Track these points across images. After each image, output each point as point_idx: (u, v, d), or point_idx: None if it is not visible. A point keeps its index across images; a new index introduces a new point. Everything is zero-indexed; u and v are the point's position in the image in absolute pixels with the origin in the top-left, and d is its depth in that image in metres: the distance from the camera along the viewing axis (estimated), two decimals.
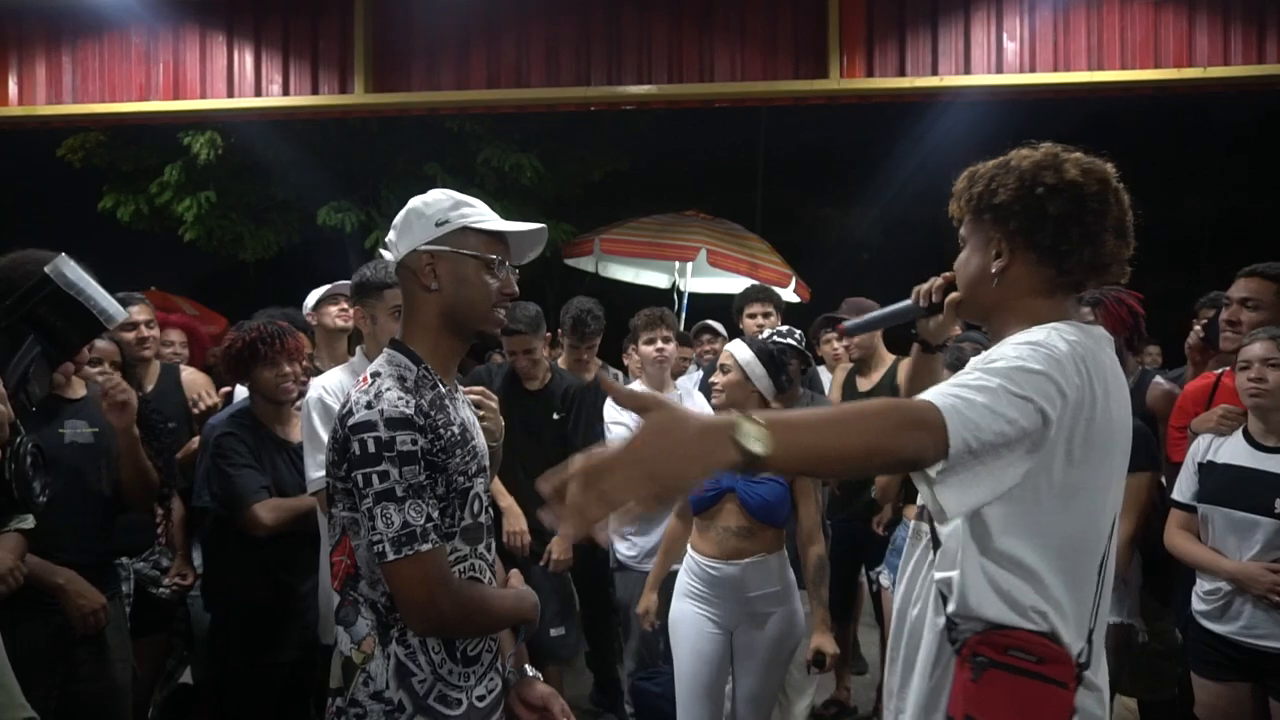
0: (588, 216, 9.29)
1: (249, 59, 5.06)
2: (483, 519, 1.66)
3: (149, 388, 3.37)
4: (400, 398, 1.52)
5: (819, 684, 3.57)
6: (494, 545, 1.72)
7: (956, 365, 3.29)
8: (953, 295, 1.61)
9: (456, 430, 1.59)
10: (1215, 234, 13.02)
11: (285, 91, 5.05)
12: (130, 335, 3.30)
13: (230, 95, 5.09)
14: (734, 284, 6.07)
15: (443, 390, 1.63)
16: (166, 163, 8.56)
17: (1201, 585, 2.58)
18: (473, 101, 5.16)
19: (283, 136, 8.29)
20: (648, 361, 3.63)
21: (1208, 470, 2.56)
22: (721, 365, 2.90)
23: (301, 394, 2.75)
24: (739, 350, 2.91)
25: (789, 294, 6.73)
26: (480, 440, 1.69)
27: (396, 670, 1.54)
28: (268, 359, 2.64)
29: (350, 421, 1.51)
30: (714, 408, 2.90)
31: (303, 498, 2.60)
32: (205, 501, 2.89)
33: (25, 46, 5.20)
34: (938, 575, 1.45)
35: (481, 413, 1.83)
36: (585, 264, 7.56)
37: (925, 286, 1.68)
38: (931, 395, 1.21)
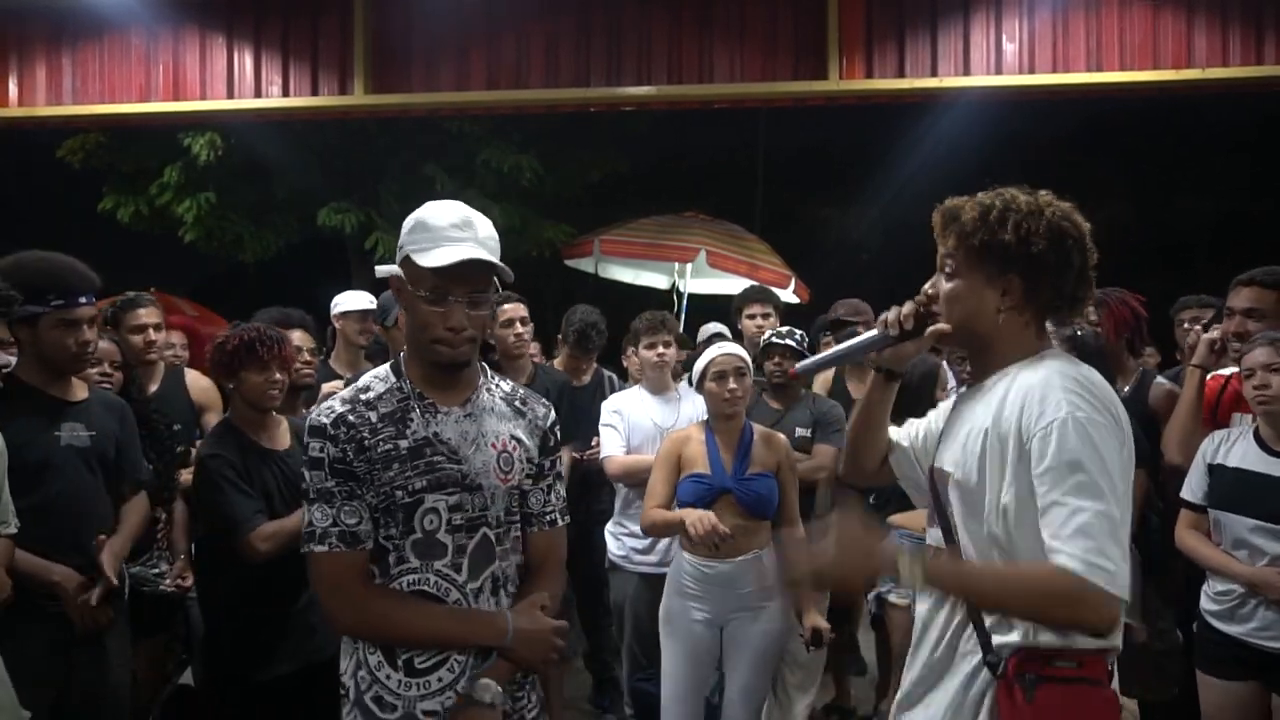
0: (587, 217, 9.28)
1: (249, 60, 5.07)
2: (444, 537, 1.63)
3: (153, 388, 3.37)
4: (329, 408, 1.63)
5: (819, 685, 3.57)
6: (479, 571, 1.67)
7: (925, 382, 3.30)
8: (939, 326, 1.58)
9: (405, 445, 1.61)
10: (1213, 235, 13.03)
11: (285, 92, 5.06)
12: (138, 338, 3.30)
13: (230, 96, 5.09)
14: (734, 285, 6.06)
15: (413, 405, 1.65)
16: (166, 164, 8.57)
17: (1212, 586, 2.57)
18: (472, 102, 5.17)
19: (282, 137, 8.30)
20: (648, 365, 3.63)
21: (1218, 473, 2.55)
22: (738, 370, 2.92)
23: (311, 396, 2.74)
24: (743, 352, 2.99)
25: (789, 295, 6.73)
26: (482, 457, 1.67)
27: (353, 661, 1.66)
28: (261, 362, 2.60)
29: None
30: (731, 414, 2.92)
31: (296, 514, 2.55)
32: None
33: (25, 47, 5.20)
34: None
35: None
36: (585, 265, 7.55)
37: (893, 314, 1.63)
38: (1077, 566, 1.33)
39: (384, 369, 1.71)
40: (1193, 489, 2.64)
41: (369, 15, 4.97)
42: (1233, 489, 2.49)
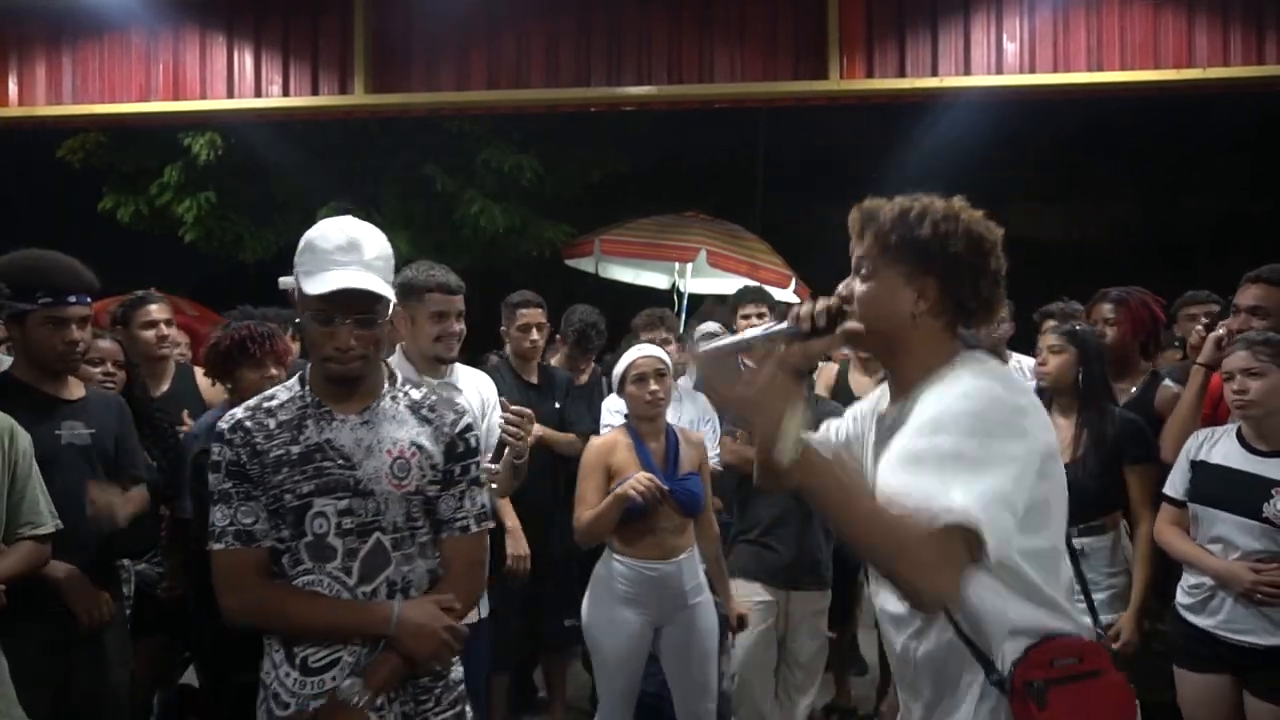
0: (587, 217, 9.28)
1: (249, 59, 5.06)
2: (334, 541, 1.69)
3: (164, 387, 3.37)
4: (231, 414, 1.73)
5: (820, 685, 3.56)
6: (371, 574, 1.70)
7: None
8: (851, 325, 1.55)
9: (297, 450, 1.69)
10: (1214, 235, 13.02)
11: (285, 92, 5.05)
12: (150, 333, 3.31)
13: (230, 96, 5.09)
14: (734, 285, 6.05)
15: (312, 413, 1.72)
16: (166, 163, 8.55)
17: (1186, 579, 2.62)
18: (472, 102, 5.16)
19: (282, 137, 8.29)
20: None
21: (1200, 469, 2.58)
22: (658, 371, 2.98)
23: None
24: (662, 353, 3.10)
25: (789, 295, 6.72)
26: (374, 464, 1.70)
27: (267, 658, 1.75)
28: (256, 359, 2.60)
29: None
30: (653, 416, 3.02)
31: None
32: (188, 512, 2.86)
33: (25, 47, 5.20)
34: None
35: (515, 430, 2.12)
36: (585, 265, 7.55)
37: (806, 309, 1.59)
38: (963, 515, 1.28)
39: (293, 380, 1.79)
40: (1174, 485, 2.67)
41: (369, 15, 4.96)
42: (1214, 485, 2.52)
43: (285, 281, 1.79)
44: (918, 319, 1.50)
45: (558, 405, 3.67)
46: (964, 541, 1.28)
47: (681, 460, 2.98)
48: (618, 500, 2.82)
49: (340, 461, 1.70)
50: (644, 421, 2.98)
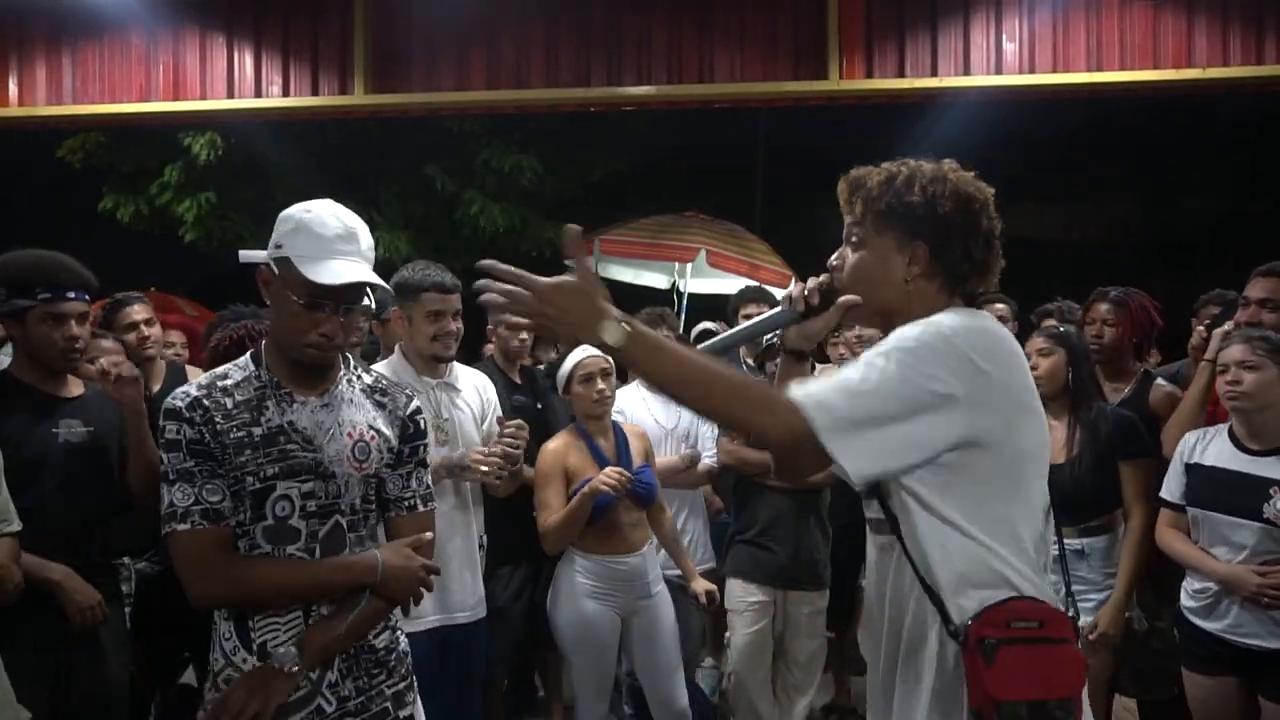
0: (587, 217, 9.27)
1: (249, 60, 5.06)
2: (297, 523, 1.68)
3: (155, 387, 3.37)
4: (184, 392, 1.67)
5: (819, 685, 3.56)
6: (333, 555, 1.71)
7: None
8: (848, 298, 1.54)
9: (259, 432, 1.65)
10: (1213, 235, 13.03)
11: (285, 92, 5.05)
12: (131, 336, 3.30)
13: (230, 96, 5.09)
14: (734, 285, 6.06)
15: (270, 394, 1.69)
16: (166, 163, 8.56)
17: (1191, 583, 2.61)
18: (472, 102, 5.16)
19: (282, 137, 8.30)
20: None
21: (1194, 471, 2.57)
22: (604, 371, 3.04)
23: None
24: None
25: None
26: (335, 446, 1.71)
27: (215, 647, 1.70)
28: None
29: None
30: (600, 415, 3.09)
31: None
32: None
33: (25, 47, 5.20)
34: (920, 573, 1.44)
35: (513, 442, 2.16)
36: None
37: (797, 290, 1.59)
38: (804, 387, 1.36)
39: (244, 358, 1.75)
40: (1171, 489, 2.66)
41: (369, 15, 4.97)
42: (1211, 488, 2.51)
43: (252, 256, 1.74)
44: (911, 284, 1.48)
45: (539, 405, 3.68)
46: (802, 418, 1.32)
47: (633, 454, 3.06)
48: (587, 498, 2.85)
49: (303, 444, 1.69)
50: (592, 420, 3.03)
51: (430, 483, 1.90)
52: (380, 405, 1.82)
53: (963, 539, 1.40)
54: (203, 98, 5.11)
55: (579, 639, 2.99)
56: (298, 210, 1.70)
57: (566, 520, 2.89)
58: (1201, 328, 3.12)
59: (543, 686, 4.00)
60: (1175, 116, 10.81)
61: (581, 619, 2.97)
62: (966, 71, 4.64)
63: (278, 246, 1.68)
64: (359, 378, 1.84)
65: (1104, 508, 2.86)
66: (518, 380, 3.71)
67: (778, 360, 3.56)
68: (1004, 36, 4.62)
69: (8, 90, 5.20)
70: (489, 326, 3.72)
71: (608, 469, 2.87)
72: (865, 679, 4.58)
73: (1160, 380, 3.23)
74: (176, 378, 3.49)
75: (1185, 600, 2.61)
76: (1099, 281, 3.50)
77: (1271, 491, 2.39)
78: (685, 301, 6.72)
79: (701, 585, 3.18)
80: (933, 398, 1.34)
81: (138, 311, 3.36)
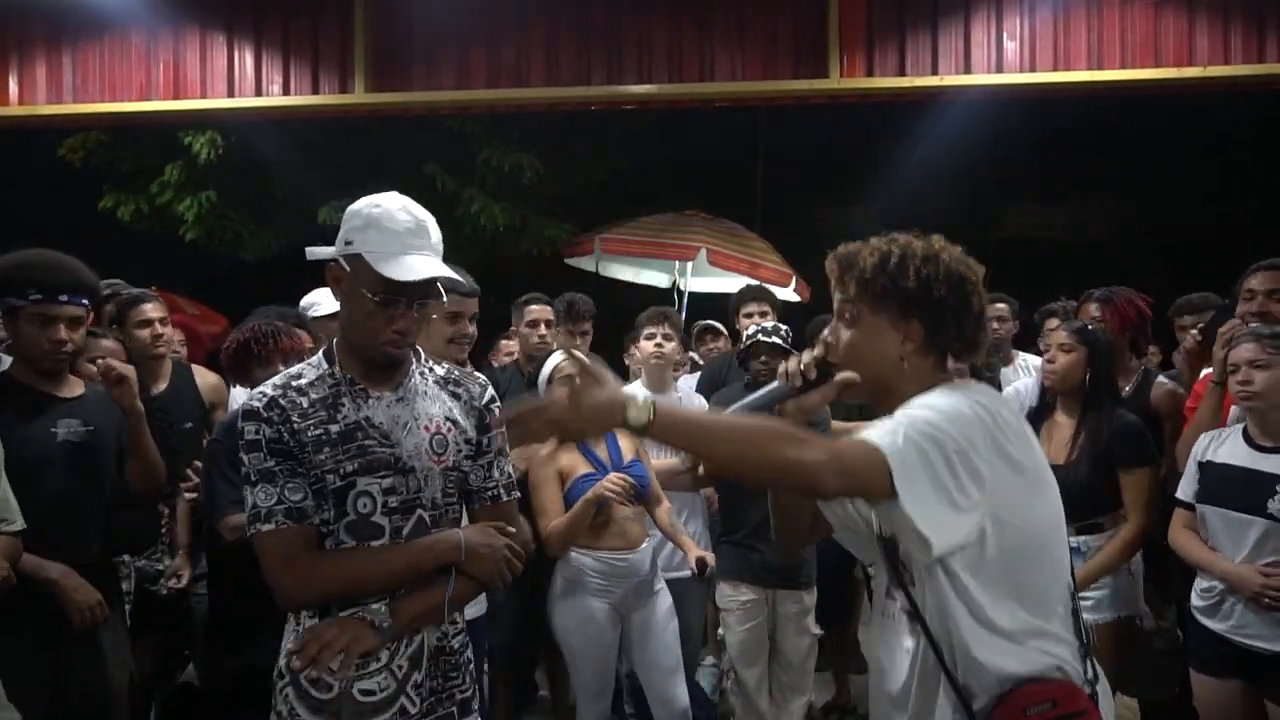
0: (588, 216, 9.27)
1: (249, 59, 5.06)
2: (380, 519, 1.67)
3: (162, 386, 3.37)
4: (261, 393, 1.66)
5: (819, 684, 3.56)
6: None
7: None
8: (846, 375, 1.55)
9: (336, 430, 1.64)
10: (1215, 235, 13.00)
11: (285, 91, 5.05)
12: (145, 332, 3.31)
13: (230, 95, 5.09)
14: (734, 284, 6.06)
15: (344, 389, 1.68)
16: (167, 162, 8.56)
17: (1199, 582, 2.60)
18: (473, 101, 5.16)
19: (283, 136, 8.30)
20: (646, 357, 3.62)
21: (1207, 469, 2.57)
22: None
23: None
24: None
25: (789, 293, 6.72)
26: (413, 440, 1.70)
27: (292, 642, 1.67)
28: (262, 358, 2.63)
29: None
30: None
31: None
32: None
33: (25, 46, 5.19)
34: (933, 657, 1.45)
35: None
36: (585, 263, 7.55)
37: (792, 365, 1.59)
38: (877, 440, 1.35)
39: (317, 356, 1.74)
40: (1185, 489, 2.66)
41: (369, 14, 4.96)
42: (1220, 484, 2.51)
43: (319, 252, 1.70)
44: (906, 361, 1.52)
45: None
46: (871, 458, 1.32)
47: (622, 448, 3.07)
48: (589, 504, 2.87)
49: (381, 439, 1.67)
50: None
51: (512, 471, 1.89)
52: (455, 396, 1.80)
53: (988, 621, 1.41)
54: (203, 97, 5.10)
55: (578, 636, 2.99)
56: (366, 205, 1.67)
57: (569, 527, 2.90)
58: (1194, 332, 3.12)
59: (547, 685, 4.00)
60: (1177, 116, 10.80)
61: (581, 615, 2.97)
62: (967, 70, 4.63)
63: (348, 243, 1.65)
64: (431, 370, 1.82)
65: (1102, 509, 2.85)
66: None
67: (763, 359, 3.55)
68: (1005, 35, 4.62)
69: (8, 89, 5.20)
70: (511, 327, 3.73)
71: (611, 475, 2.88)
72: (864, 678, 4.59)
73: (1162, 378, 3.23)
74: (183, 376, 3.49)
75: (1194, 599, 2.60)
76: (1099, 281, 3.50)
77: (1278, 487, 2.38)
78: (686, 300, 6.71)
79: (696, 553, 3.13)
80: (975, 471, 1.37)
81: (152, 309, 3.37)
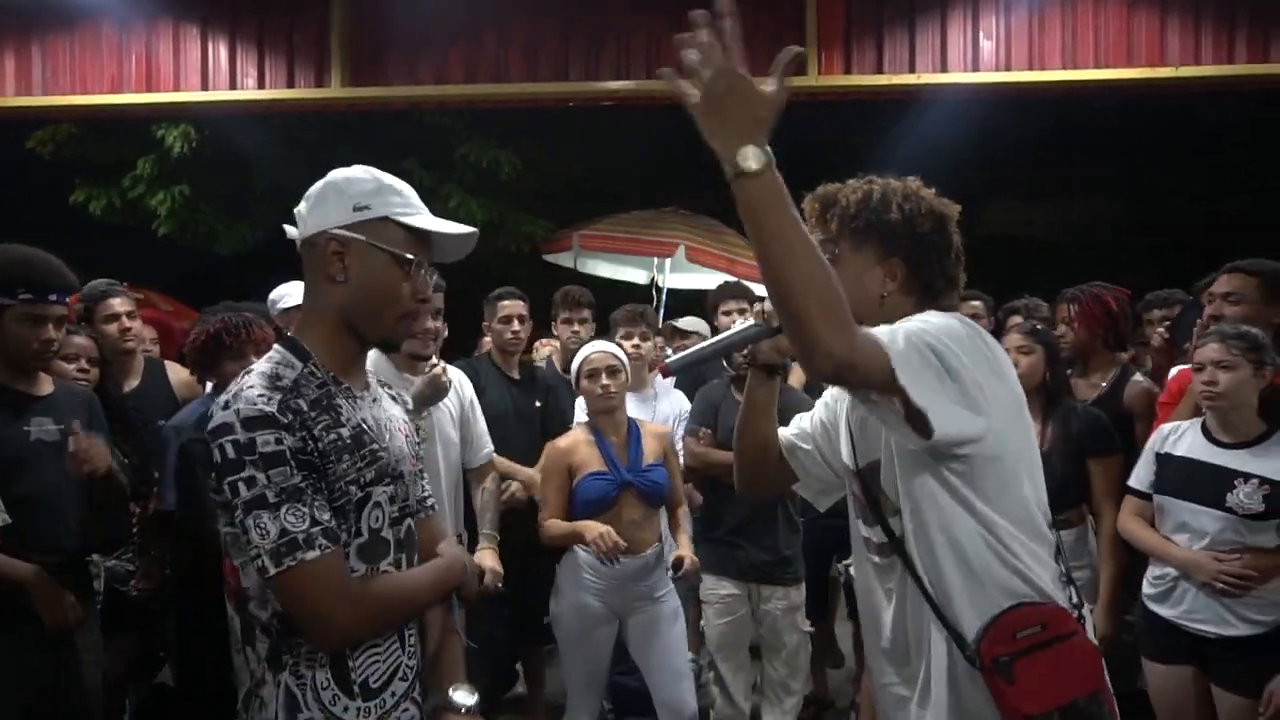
0: (566, 212, 9.26)
1: (224, 51, 5.01)
2: (387, 533, 1.48)
3: (134, 383, 3.32)
4: (260, 394, 1.37)
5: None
6: (412, 562, 1.54)
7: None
8: None
9: (347, 434, 1.43)
10: (1198, 233, 13.17)
11: (261, 85, 5.00)
12: (112, 327, 3.26)
13: (204, 88, 5.03)
14: (713, 280, 6.06)
15: (334, 389, 1.46)
16: (140, 156, 8.45)
17: (1151, 571, 2.66)
18: (451, 96, 5.15)
19: (259, 130, 8.21)
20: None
21: (1165, 461, 2.62)
22: (610, 368, 3.01)
23: None
24: (617, 350, 3.13)
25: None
26: (397, 443, 1.53)
27: (286, 701, 1.40)
28: (234, 351, 2.57)
29: (209, 427, 1.38)
30: (607, 409, 3.04)
31: None
32: (169, 504, 2.83)
33: None
34: (924, 583, 1.46)
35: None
36: (564, 260, 7.54)
37: (769, 306, 1.53)
38: (889, 338, 1.33)
39: (281, 354, 1.47)
40: (1140, 477, 2.70)
41: (347, 7, 4.92)
42: (1178, 477, 2.56)
43: (312, 228, 1.49)
44: (887, 299, 1.51)
45: (539, 403, 3.66)
46: (872, 348, 1.30)
47: (644, 451, 3.04)
48: (575, 535, 2.90)
49: (378, 443, 1.48)
50: (602, 416, 3.02)
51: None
52: (394, 399, 1.66)
53: (980, 534, 1.42)
54: (176, 89, 5.05)
55: (572, 631, 2.99)
56: (362, 170, 1.50)
57: (559, 537, 2.96)
58: (1161, 329, 3.16)
59: (525, 682, 3.99)
60: (1154, 114, 10.92)
61: (577, 611, 2.97)
62: (944, 68, 4.68)
63: (361, 208, 1.45)
64: (373, 373, 1.67)
65: (1072, 501, 2.91)
66: (516, 376, 3.68)
67: (745, 352, 3.57)
68: (981, 34, 4.66)
69: None
70: (484, 323, 3.72)
71: (602, 530, 2.81)
72: (841, 671, 4.63)
73: (1138, 376, 3.28)
74: (155, 373, 3.45)
75: (1145, 588, 2.66)
76: (1079, 278, 3.54)
77: (1236, 483, 2.44)
78: (664, 296, 6.72)
79: (678, 553, 3.08)
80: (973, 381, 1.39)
81: (119, 304, 3.31)
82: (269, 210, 9.23)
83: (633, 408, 3.53)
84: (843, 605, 4.17)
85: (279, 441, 1.35)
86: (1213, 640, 2.46)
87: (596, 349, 3.04)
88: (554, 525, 2.96)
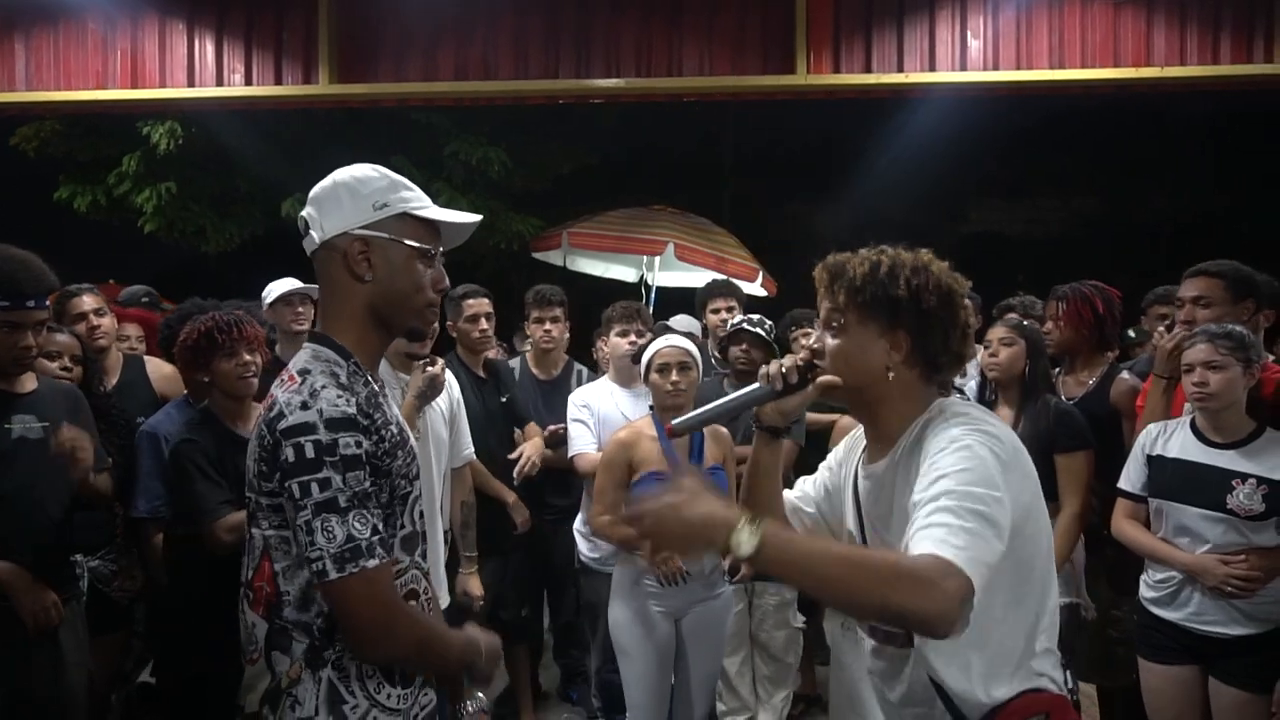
0: (556, 210, 9.25)
1: (210, 47, 4.97)
2: (419, 526, 1.56)
3: (113, 380, 3.30)
4: (340, 395, 1.39)
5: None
6: (427, 555, 1.62)
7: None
8: (827, 378, 1.55)
9: (395, 430, 1.49)
10: (1177, 231, 13.28)
11: (248, 81, 4.97)
12: (80, 326, 3.23)
13: (191, 84, 4.99)
14: (702, 278, 6.07)
15: (375, 387, 1.51)
16: (125, 153, 8.39)
17: (1152, 574, 2.65)
18: (440, 94, 5.11)
19: (246, 127, 8.16)
20: (619, 354, 3.62)
21: (1158, 464, 2.62)
22: (682, 364, 2.91)
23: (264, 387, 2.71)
24: (690, 345, 2.97)
25: (756, 288, 6.75)
26: (412, 441, 1.59)
27: (328, 695, 1.43)
28: (226, 349, 2.53)
29: (282, 425, 1.37)
30: (675, 406, 2.87)
31: None
32: (140, 511, 2.81)
33: None
34: (938, 677, 1.46)
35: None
36: (553, 257, 7.53)
37: (774, 368, 1.59)
38: (934, 547, 1.26)
39: (318, 351, 1.49)
40: (1131, 480, 2.70)
41: (335, 3, 4.89)
42: (1174, 479, 2.56)
43: (333, 230, 1.50)
44: (892, 371, 1.51)
45: (504, 399, 3.69)
46: (958, 580, 1.24)
47: (706, 454, 2.93)
48: (629, 546, 2.80)
49: (411, 440, 1.55)
50: (667, 412, 2.91)
51: None
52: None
53: (998, 626, 1.42)
54: (162, 86, 5.00)
55: (630, 636, 2.91)
56: (368, 168, 1.53)
57: (615, 538, 2.85)
58: (1162, 328, 3.18)
59: (510, 677, 3.98)
60: (1139, 114, 11.00)
61: (635, 616, 2.90)
62: (932, 67, 4.69)
63: (381, 207, 1.49)
64: None
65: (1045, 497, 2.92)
66: (482, 374, 3.69)
67: (743, 347, 3.54)
68: (969, 33, 4.68)
69: None
70: (448, 322, 3.70)
71: (672, 562, 2.76)
72: (829, 668, 4.62)
73: (1125, 374, 3.30)
74: (135, 371, 3.42)
75: (1145, 591, 2.65)
76: (1062, 276, 3.56)
77: (1234, 484, 2.44)
78: (653, 295, 6.72)
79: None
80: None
81: (87, 302, 3.29)
82: (256, 208, 9.18)
83: (626, 403, 3.53)
84: None
85: (358, 445, 1.38)
86: (1220, 640, 2.47)
87: (669, 343, 2.94)
88: (610, 528, 2.84)
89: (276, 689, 1.45)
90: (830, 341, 1.55)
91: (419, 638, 1.47)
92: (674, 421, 1.63)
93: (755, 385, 1.62)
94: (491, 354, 3.92)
